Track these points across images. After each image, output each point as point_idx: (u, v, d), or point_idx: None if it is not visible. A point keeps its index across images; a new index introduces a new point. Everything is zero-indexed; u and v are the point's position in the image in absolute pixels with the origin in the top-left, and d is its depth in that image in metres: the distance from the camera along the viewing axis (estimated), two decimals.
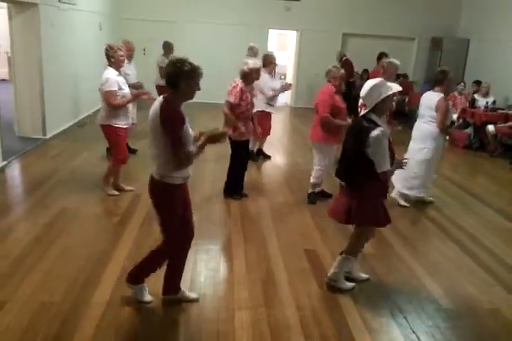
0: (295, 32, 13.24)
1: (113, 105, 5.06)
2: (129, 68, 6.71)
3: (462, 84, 10.12)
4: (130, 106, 5.45)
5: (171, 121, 2.90)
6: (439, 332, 3.28)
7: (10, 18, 7.26)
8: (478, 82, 10.29)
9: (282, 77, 14.66)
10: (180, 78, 2.90)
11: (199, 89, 3.03)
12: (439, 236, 4.99)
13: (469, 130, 9.49)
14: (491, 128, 8.89)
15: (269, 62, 6.99)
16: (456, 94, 9.89)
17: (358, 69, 12.38)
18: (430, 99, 5.52)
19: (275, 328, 3.18)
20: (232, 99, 5.21)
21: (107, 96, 5.07)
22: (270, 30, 13.00)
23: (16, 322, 3.06)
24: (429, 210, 5.72)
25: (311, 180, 5.68)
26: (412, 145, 5.70)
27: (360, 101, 3.47)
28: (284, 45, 15.47)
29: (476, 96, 9.83)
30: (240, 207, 5.39)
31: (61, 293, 3.41)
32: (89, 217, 4.84)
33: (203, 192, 5.72)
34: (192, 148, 3.03)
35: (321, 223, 5.06)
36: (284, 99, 13.22)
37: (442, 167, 7.35)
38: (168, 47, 8.46)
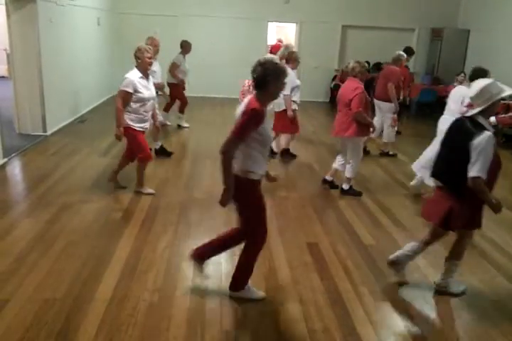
0: (294, 24, 13.18)
1: (116, 105, 4.99)
2: (154, 65, 6.60)
3: (462, 74, 10.04)
4: (150, 110, 5.28)
5: (248, 115, 2.94)
6: (442, 323, 3.28)
7: (8, 14, 7.22)
8: None
9: None
10: (269, 79, 2.95)
11: (283, 89, 3.10)
12: None
13: None
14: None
15: (294, 58, 6.88)
16: (456, 84, 9.82)
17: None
18: (460, 93, 5.50)
19: (278, 322, 3.18)
20: None
21: (117, 95, 5.04)
22: (269, 23, 12.94)
23: (19, 319, 3.07)
24: None
25: (348, 175, 5.66)
26: (440, 138, 5.63)
27: (468, 100, 3.35)
28: (283, 38, 15.36)
29: None
30: None
31: (64, 289, 3.42)
32: (91, 213, 4.84)
33: (203, 188, 5.73)
34: (265, 153, 3.11)
35: (323, 216, 5.07)
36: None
37: None
38: (186, 46, 8.36)
